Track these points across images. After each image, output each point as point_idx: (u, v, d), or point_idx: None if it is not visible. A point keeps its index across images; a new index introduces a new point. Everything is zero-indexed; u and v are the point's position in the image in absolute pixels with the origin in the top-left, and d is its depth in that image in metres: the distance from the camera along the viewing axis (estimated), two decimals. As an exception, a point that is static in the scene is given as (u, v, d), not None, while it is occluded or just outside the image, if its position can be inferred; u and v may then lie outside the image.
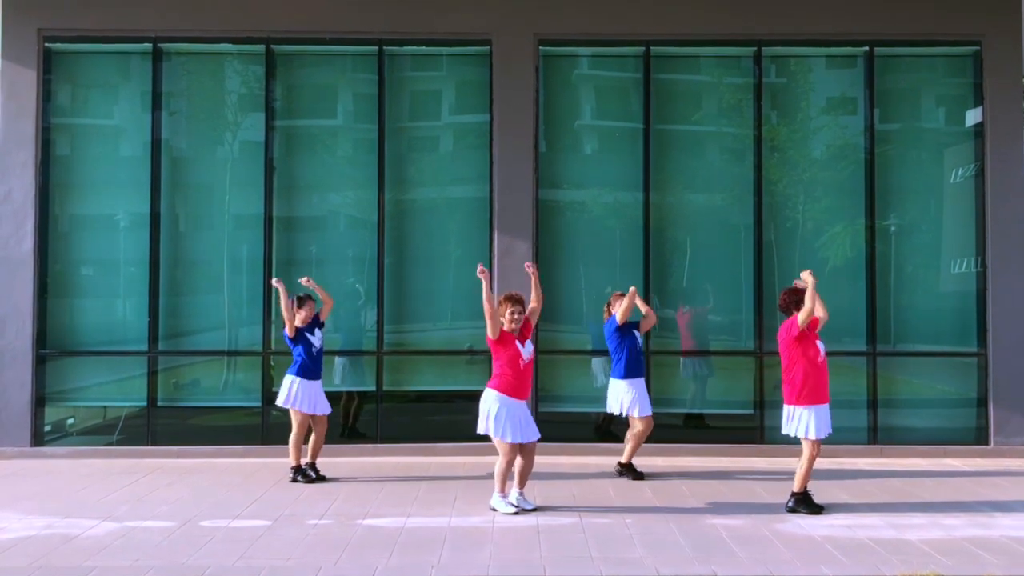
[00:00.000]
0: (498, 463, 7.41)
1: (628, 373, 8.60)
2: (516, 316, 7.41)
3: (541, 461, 9.22)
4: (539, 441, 9.59)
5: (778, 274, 10.05)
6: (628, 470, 8.70)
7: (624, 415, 8.66)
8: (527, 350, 7.44)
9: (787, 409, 7.50)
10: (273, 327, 10.01)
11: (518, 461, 7.45)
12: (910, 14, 10.00)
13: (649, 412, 8.63)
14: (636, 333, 8.74)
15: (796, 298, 7.49)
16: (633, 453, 8.70)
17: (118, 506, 7.60)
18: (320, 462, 8.85)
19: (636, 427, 8.62)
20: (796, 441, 7.59)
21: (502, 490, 7.42)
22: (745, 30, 10.06)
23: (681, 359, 10.13)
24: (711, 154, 10.36)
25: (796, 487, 7.47)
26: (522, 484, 7.54)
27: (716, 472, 8.95)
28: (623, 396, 8.60)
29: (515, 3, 10.01)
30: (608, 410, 8.81)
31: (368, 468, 9.11)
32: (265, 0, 10.02)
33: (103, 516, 7.25)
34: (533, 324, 7.67)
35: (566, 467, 9.13)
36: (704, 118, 10.37)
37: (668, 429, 9.87)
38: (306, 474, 8.58)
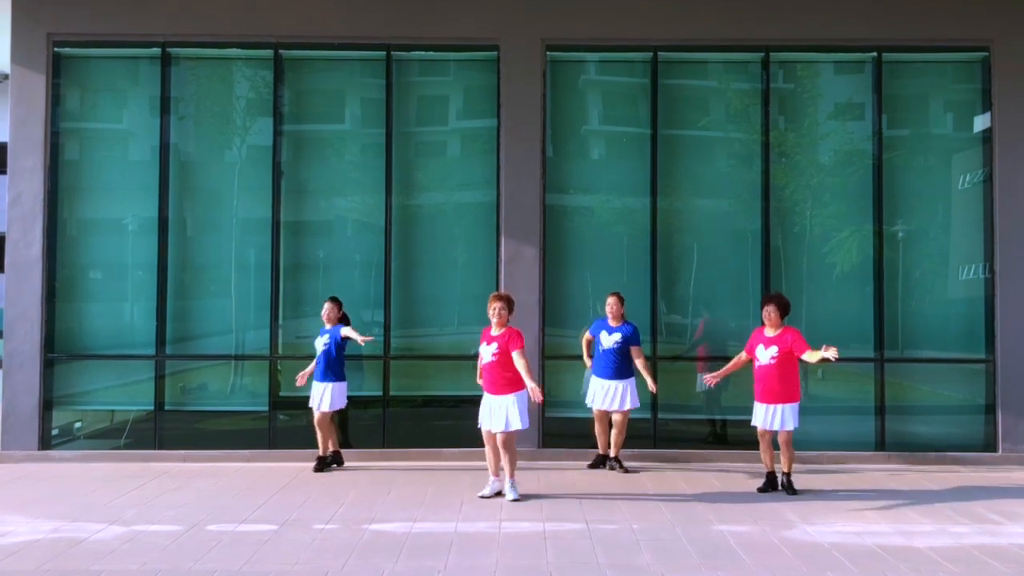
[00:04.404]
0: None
1: None
2: (494, 311, 8.02)
3: (547, 465, 9.26)
4: (545, 446, 9.69)
5: (785, 279, 10.03)
6: (619, 462, 9.18)
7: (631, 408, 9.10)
8: (487, 350, 7.98)
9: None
10: (280, 331, 10.03)
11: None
12: (918, 20, 9.99)
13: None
14: None
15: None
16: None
17: (125, 510, 7.61)
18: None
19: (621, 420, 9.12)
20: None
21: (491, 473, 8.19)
22: (753, 35, 10.05)
23: (694, 365, 10.16)
24: (719, 159, 10.35)
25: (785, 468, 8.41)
26: (495, 472, 8.15)
27: (723, 478, 8.94)
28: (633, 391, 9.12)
29: (522, 8, 10.03)
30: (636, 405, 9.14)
31: (374, 472, 9.11)
32: (274, 5, 10.06)
33: (110, 520, 7.26)
34: (511, 346, 7.93)
35: (572, 472, 9.12)
36: (712, 123, 10.37)
37: (675, 435, 9.87)
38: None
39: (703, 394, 10.13)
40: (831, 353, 7.79)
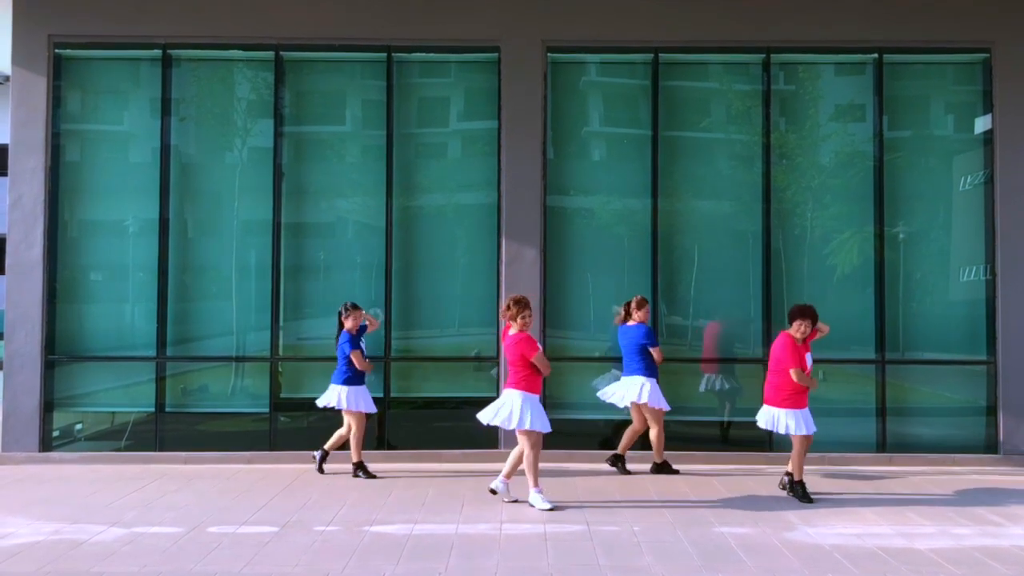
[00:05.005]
0: (529, 456, 7.82)
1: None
2: (528, 319, 7.88)
3: (548, 467, 9.26)
4: (546, 448, 9.70)
5: (786, 281, 10.03)
6: (664, 467, 9.19)
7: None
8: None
9: (767, 409, 8.27)
10: (281, 333, 10.03)
11: (530, 453, 7.83)
12: (919, 21, 10.00)
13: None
14: None
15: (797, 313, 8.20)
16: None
17: (126, 512, 7.61)
18: (326, 467, 9.23)
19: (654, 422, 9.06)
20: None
21: (536, 483, 7.77)
22: (754, 37, 10.06)
23: (696, 367, 10.16)
24: (720, 161, 10.35)
25: (796, 476, 8.15)
26: (510, 474, 8.00)
27: (724, 480, 8.93)
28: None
29: (523, 10, 10.03)
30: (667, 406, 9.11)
31: (375, 474, 9.10)
32: (274, 7, 10.06)
33: (111, 522, 7.26)
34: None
35: (574, 474, 9.11)
36: (713, 125, 10.37)
37: (677, 437, 9.86)
38: (366, 469, 8.97)
39: (712, 394, 10.13)
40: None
